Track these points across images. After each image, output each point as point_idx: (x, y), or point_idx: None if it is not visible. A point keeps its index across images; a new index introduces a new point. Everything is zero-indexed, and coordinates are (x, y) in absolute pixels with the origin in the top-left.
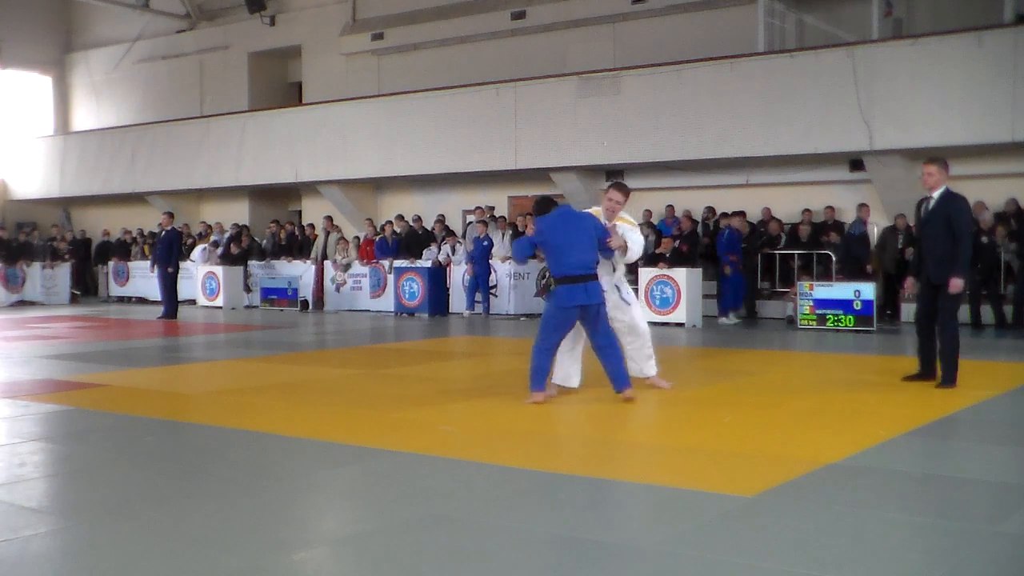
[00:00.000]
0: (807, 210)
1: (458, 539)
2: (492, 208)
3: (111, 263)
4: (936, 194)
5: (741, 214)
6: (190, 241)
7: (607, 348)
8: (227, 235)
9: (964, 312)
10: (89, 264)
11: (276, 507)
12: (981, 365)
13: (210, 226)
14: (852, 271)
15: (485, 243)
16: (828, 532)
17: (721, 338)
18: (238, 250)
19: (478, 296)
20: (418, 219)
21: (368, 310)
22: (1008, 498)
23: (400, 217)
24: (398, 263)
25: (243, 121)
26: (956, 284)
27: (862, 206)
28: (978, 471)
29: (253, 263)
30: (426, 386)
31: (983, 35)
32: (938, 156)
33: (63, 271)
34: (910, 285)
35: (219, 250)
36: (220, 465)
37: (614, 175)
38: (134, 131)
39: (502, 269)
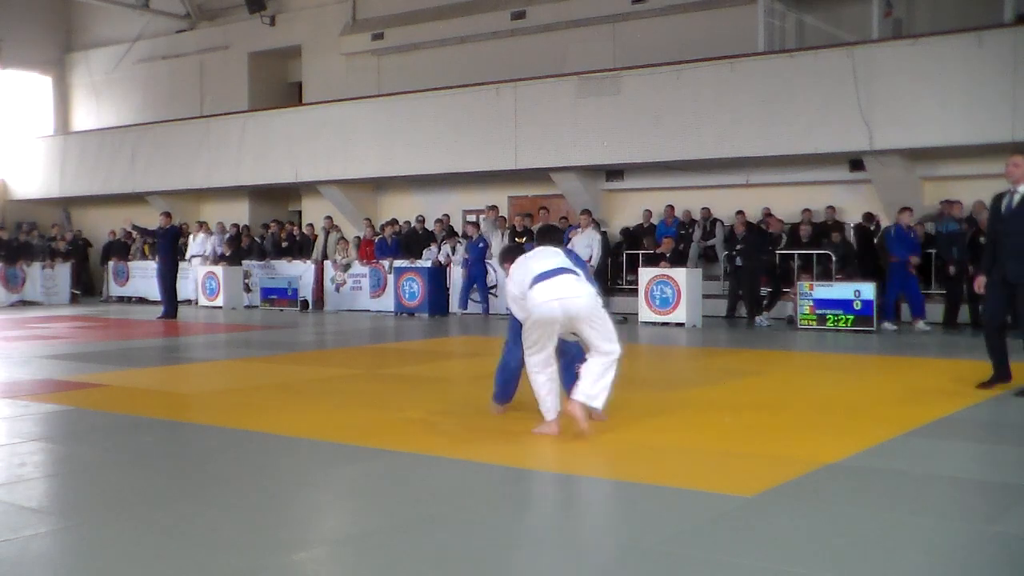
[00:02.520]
0: (807, 210)
1: (458, 539)
2: (496, 208)
3: (111, 263)
4: (1021, 188)
5: (908, 210)
6: (194, 235)
7: None
8: (227, 235)
9: (964, 312)
10: (88, 264)
11: (276, 507)
12: (981, 365)
13: (204, 224)
14: (947, 273)
15: (480, 245)
16: (828, 532)
17: (721, 338)
18: (231, 250)
19: (477, 296)
20: (421, 219)
21: (368, 310)
22: (1007, 498)
23: (394, 221)
24: (398, 263)
25: (243, 121)
26: None
27: (952, 203)
28: (978, 471)
29: (252, 263)
30: (426, 386)
31: (983, 35)
32: None
33: (63, 271)
34: (980, 283)
35: (214, 251)
36: (220, 465)
37: (614, 175)
38: (134, 131)
39: (501, 269)
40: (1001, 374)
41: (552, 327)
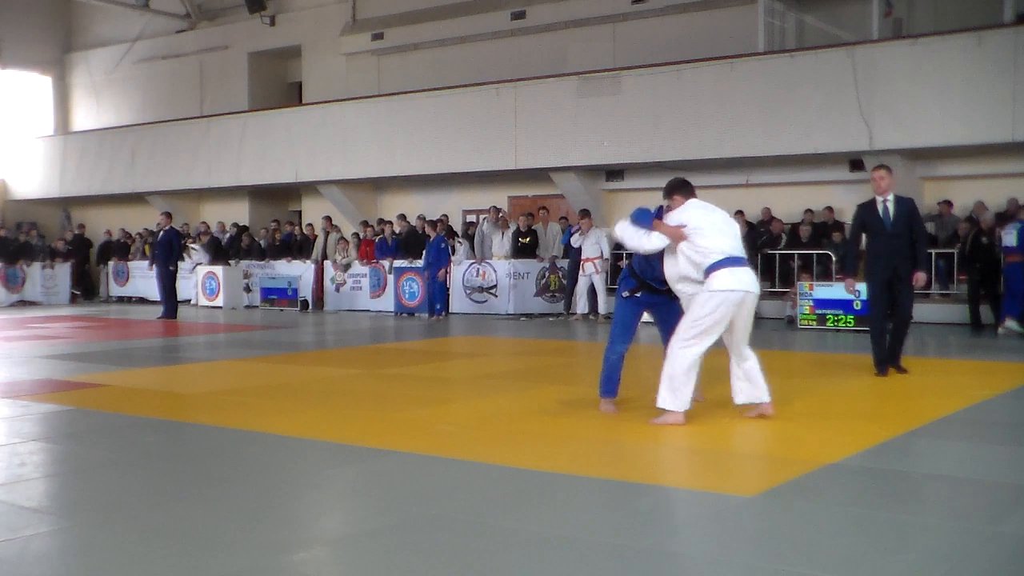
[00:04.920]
0: (809, 210)
1: (458, 539)
2: (500, 210)
3: (111, 263)
4: (891, 197)
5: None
6: (189, 241)
7: None
8: (207, 240)
9: (964, 312)
10: (90, 264)
11: (276, 507)
12: (981, 365)
13: (209, 226)
14: None
15: (442, 245)
16: (828, 532)
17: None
18: (211, 255)
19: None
20: (421, 218)
21: (368, 310)
22: (1007, 498)
23: (402, 217)
24: (398, 263)
25: (243, 121)
26: (925, 278)
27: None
28: (978, 471)
29: (252, 263)
30: (426, 386)
31: (983, 35)
32: (884, 163)
33: (63, 271)
34: (852, 285)
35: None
36: (220, 465)
37: (614, 175)
38: (134, 131)
39: (502, 269)
40: (883, 366)
41: (728, 316)
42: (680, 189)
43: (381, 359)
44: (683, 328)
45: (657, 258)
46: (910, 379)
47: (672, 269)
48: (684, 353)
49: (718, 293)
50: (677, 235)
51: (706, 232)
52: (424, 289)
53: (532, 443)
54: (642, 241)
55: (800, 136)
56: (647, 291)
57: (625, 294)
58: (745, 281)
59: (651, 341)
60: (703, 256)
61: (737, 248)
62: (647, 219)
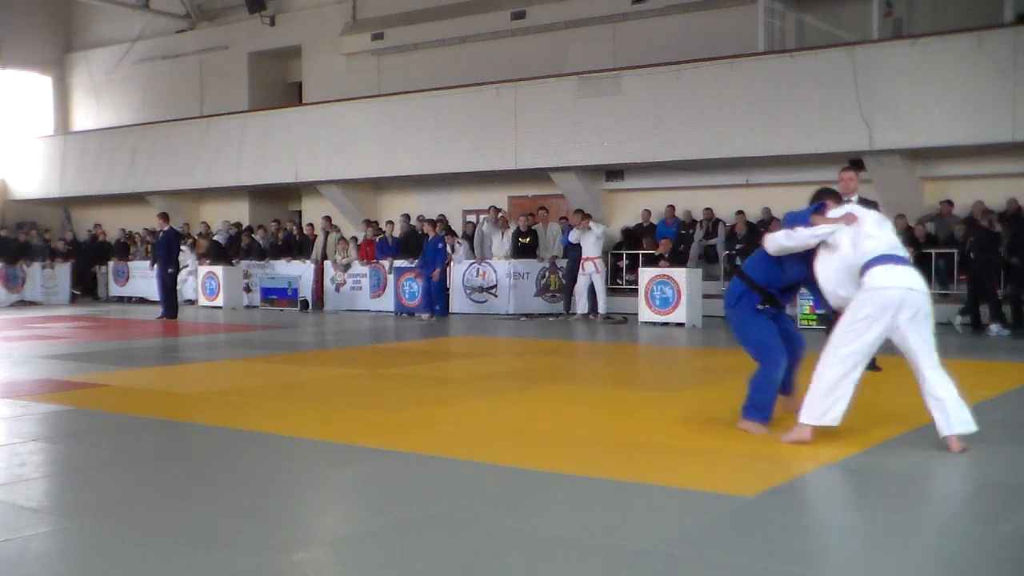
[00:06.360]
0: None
1: (458, 539)
2: (500, 210)
3: (111, 263)
4: (855, 199)
5: None
6: (189, 241)
7: None
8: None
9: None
10: (89, 264)
11: (276, 507)
12: (981, 365)
13: (209, 227)
14: None
15: (439, 245)
16: (828, 532)
17: (721, 338)
18: (209, 259)
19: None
20: (421, 218)
21: (368, 310)
22: (1008, 498)
23: (406, 216)
24: (398, 263)
25: (243, 121)
26: None
27: (944, 203)
28: (978, 471)
29: (252, 263)
30: (426, 386)
31: (983, 35)
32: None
33: (63, 271)
34: None
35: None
36: (219, 465)
37: (614, 175)
38: (134, 131)
39: (502, 269)
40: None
41: (885, 321)
42: (829, 195)
43: (381, 359)
44: (835, 335)
45: (790, 260)
46: (910, 379)
47: (827, 270)
48: (832, 361)
49: (871, 291)
50: (848, 219)
51: (869, 222)
52: (424, 289)
53: (532, 443)
54: (801, 236)
55: (800, 136)
56: (770, 303)
57: (759, 307)
58: (904, 278)
59: (651, 340)
60: (861, 255)
61: (897, 246)
62: (803, 216)
